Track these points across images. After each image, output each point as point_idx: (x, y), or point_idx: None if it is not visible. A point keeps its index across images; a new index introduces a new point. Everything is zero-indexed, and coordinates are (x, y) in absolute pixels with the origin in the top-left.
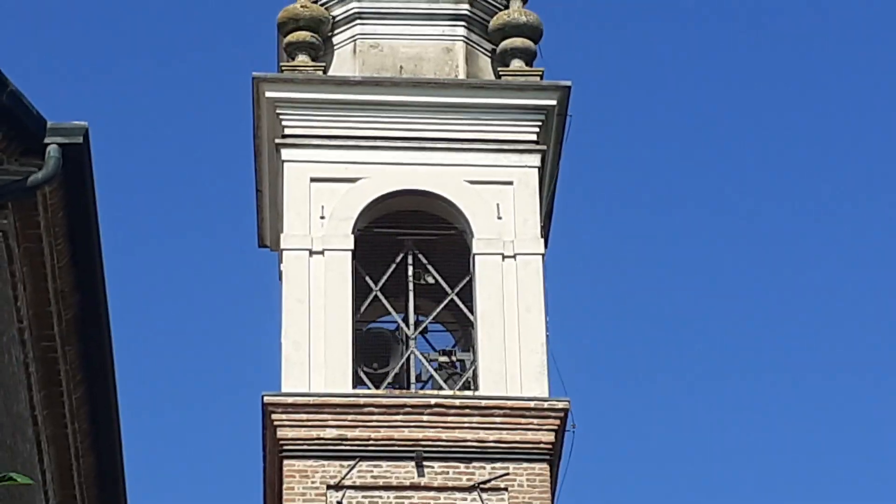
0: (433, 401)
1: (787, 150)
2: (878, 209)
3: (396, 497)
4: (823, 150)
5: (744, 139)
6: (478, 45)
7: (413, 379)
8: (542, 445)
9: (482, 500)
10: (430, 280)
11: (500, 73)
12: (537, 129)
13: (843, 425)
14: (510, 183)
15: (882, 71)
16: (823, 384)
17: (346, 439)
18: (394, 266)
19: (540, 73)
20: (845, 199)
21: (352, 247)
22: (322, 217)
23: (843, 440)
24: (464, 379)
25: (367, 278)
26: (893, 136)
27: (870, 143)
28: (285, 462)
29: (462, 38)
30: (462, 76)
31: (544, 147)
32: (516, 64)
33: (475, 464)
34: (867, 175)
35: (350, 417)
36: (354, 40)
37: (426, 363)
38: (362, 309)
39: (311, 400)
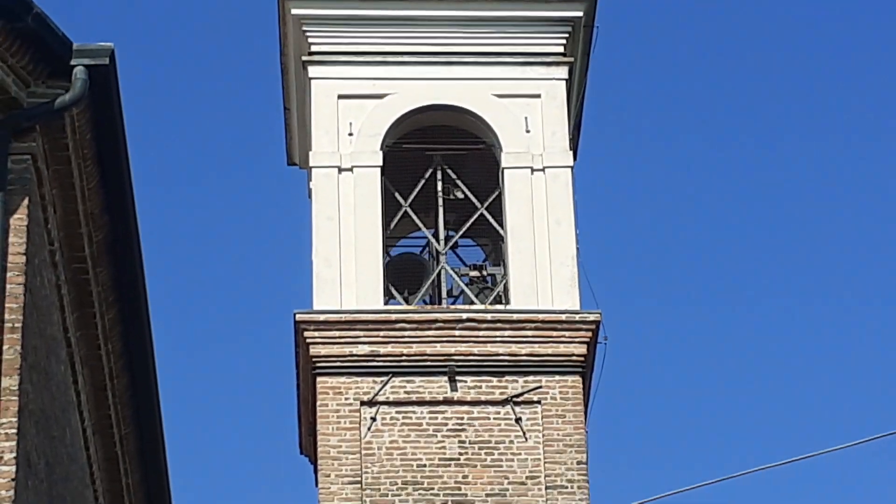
0: (465, 315)
1: (822, 68)
2: None
3: (430, 412)
4: (855, 69)
5: (775, 46)
6: None
7: (444, 294)
8: (574, 358)
9: (515, 413)
10: (460, 195)
11: None
12: (564, 41)
13: (871, 345)
14: (538, 96)
15: None
16: (849, 302)
17: (379, 355)
18: (423, 182)
19: None
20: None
21: (380, 163)
22: (350, 134)
23: (869, 356)
24: (495, 293)
25: (397, 194)
26: None
27: None
28: (318, 379)
29: None
30: None
31: (571, 59)
32: None
33: (508, 377)
34: None
35: (382, 333)
36: None
37: (457, 278)
38: (392, 225)
39: (342, 317)
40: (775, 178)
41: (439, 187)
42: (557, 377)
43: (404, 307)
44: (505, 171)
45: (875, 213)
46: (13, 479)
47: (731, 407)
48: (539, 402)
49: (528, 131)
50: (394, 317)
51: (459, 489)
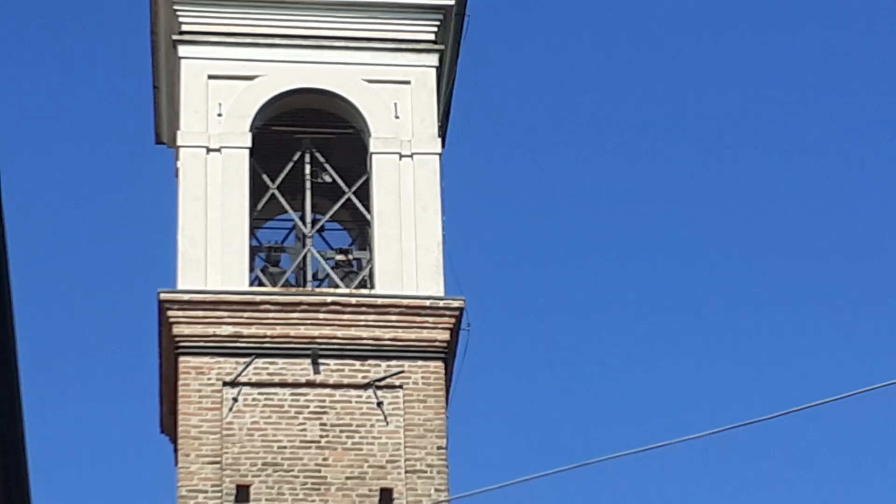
0: (329, 299)
1: (701, 58)
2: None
3: (292, 394)
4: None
5: (647, 34)
6: None
7: (309, 277)
8: (437, 344)
9: (377, 398)
10: (328, 179)
11: None
12: (435, 29)
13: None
14: (408, 82)
15: None
16: (728, 296)
17: (242, 336)
18: (291, 164)
19: None
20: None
21: (249, 144)
22: (219, 114)
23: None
24: (360, 277)
25: (265, 176)
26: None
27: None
28: (181, 359)
29: None
30: None
31: (442, 47)
32: None
33: (370, 361)
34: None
35: (246, 315)
36: None
37: (323, 261)
38: (259, 207)
39: (207, 297)
40: (645, 166)
41: (307, 170)
42: (420, 362)
43: (269, 289)
44: (373, 156)
45: (767, 204)
46: None
47: (591, 395)
48: (401, 386)
49: (397, 117)
50: (258, 298)
51: (319, 471)
